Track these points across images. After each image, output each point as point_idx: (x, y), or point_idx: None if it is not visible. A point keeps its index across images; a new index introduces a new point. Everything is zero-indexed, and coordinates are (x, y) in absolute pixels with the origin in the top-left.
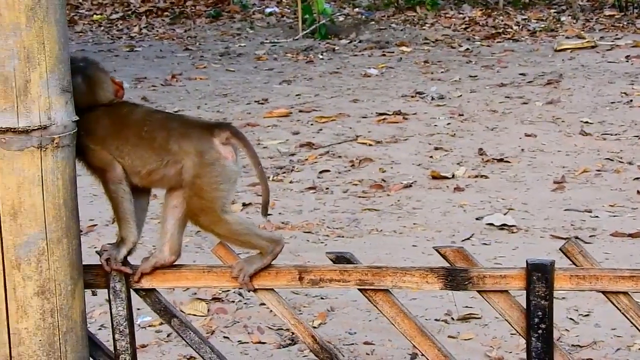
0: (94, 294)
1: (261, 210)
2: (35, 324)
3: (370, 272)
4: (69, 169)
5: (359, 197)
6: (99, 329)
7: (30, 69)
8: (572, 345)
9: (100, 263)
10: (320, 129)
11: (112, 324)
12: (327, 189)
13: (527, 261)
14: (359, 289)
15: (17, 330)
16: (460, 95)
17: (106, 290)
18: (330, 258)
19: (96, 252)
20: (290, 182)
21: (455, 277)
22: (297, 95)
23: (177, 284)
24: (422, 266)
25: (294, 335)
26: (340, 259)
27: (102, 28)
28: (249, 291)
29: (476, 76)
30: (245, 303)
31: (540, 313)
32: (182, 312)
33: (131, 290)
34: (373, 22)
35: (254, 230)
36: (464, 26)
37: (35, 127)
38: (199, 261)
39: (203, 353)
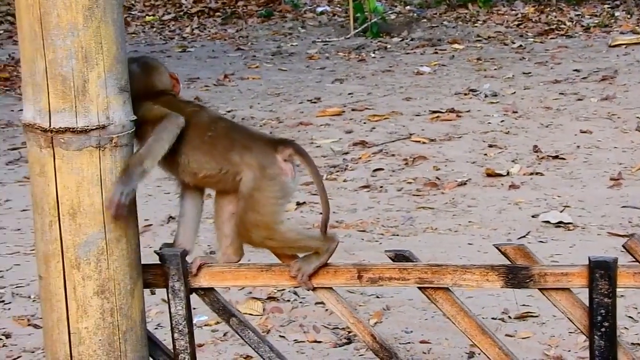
0: (152, 293)
1: (321, 227)
2: (95, 324)
3: (430, 270)
4: None
5: (413, 195)
6: (156, 328)
7: (88, 69)
8: (632, 343)
9: (159, 263)
10: (373, 128)
11: (171, 323)
12: (381, 187)
13: (589, 258)
14: (418, 287)
15: (77, 329)
16: (514, 92)
17: (164, 289)
18: (389, 256)
19: (155, 252)
20: (344, 180)
21: (516, 275)
22: (349, 93)
23: (236, 283)
24: (482, 264)
25: (350, 334)
26: (399, 257)
27: (154, 29)
28: (307, 290)
29: (530, 73)
30: (300, 302)
31: (603, 311)
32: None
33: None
34: (425, 20)
35: (307, 233)
36: (516, 23)
37: (94, 127)
38: (253, 261)
39: (262, 352)
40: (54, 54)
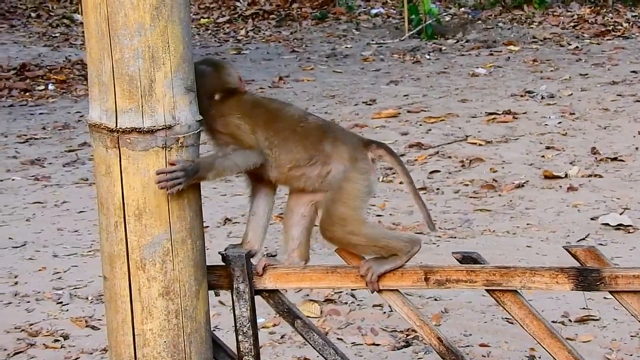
0: (216, 295)
1: (428, 225)
2: (160, 325)
3: (499, 272)
4: None
5: (470, 197)
6: (214, 330)
7: (155, 69)
8: None
9: (223, 264)
10: (429, 129)
11: (236, 325)
12: (437, 189)
13: None
14: (486, 290)
15: (142, 331)
16: (571, 94)
17: (223, 291)
18: (456, 258)
19: (219, 253)
20: (401, 182)
21: (586, 278)
22: (404, 95)
23: (301, 285)
24: (551, 266)
25: (408, 337)
26: (467, 258)
27: (209, 31)
28: (372, 292)
29: (586, 74)
30: (358, 304)
31: None
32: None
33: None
34: (480, 22)
35: (391, 233)
36: (572, 24)
37: (160, 127)
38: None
39: (327, 355)
40: (120, 53)
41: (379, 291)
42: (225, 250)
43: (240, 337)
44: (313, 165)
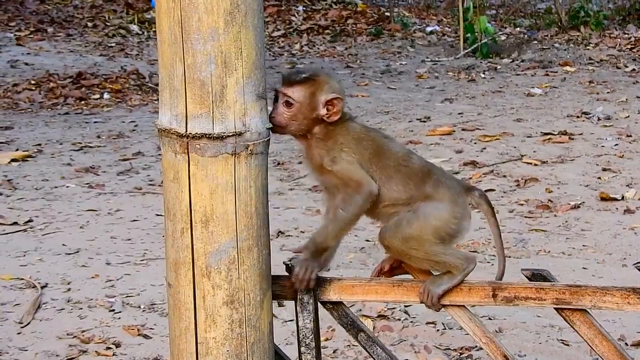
0: (280, 305)
1: (497, 276)
2: (224, 334)
3: (569, 291)
4: (262, 177)
5: (525, 217)
6: None
7: (227, 75)
8: None
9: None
10: (484, 148)
11: (298, 337)
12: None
13: None
14: (555, 309)
15: (205, 339)
16: (628, 116)
17: (291, 302)
18: (525, 275)
19: (284, 263)
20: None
21: None
22: (459, 113)
23: (366, 298)
24: (623, 286)
25: (462, 356)
26: (536, 276)
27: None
28: (437, 311)
29: None
30: (411, 321)
31: None
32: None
33: (319, 303)
34: (535, 42)
35: (448, 249)
36: (629, 46)
37: (230, 134)
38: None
39: None
40: (193, 58)
41: (444, 307)
42: (290, 260)
43: (302, 349)
44: (409, 205)
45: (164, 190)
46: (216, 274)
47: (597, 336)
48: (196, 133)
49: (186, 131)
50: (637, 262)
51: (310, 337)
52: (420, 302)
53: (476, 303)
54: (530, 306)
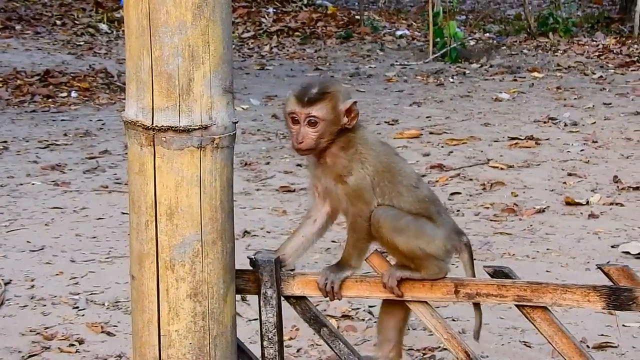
0: (243, 299)
1: (474, 334)
2: (187, 327)
3: (530, 288)
4: (227, 171)
5: (491, 220)
6: None
7: (194, 68)
8: None
9: (252, 269)
10: (451, 152)
11: (261, 331)
12: (458, 211)
13: None
14: (516, 305)
15: (168, 332)
16: (594, 122)
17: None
18: (487, 272)
19: (248, 257)
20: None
21: (619, 297)
22: (427, 117)
23: None
24: (584, 284)
25: (425, 356)
26: (498, 273)
27: (233, 46)
28: (397, 297)
29: (610, 104)
30: (375, 321)
31: None
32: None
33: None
34: (504, 47)
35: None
36: (597, 54)
37: (196, 127)
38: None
39: None
40: (160, 51)
41: (407, 302)
42: (254, 254)
43: (265, 343)
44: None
45: (129, 182)
46: (180, 266)
47: (557, 333)
48: (162, 126)
49: (152, 124)
50: (600, 264)
51: (273, 331)
52: (385, 293)
53: (438, 299)
54: (491, 302)
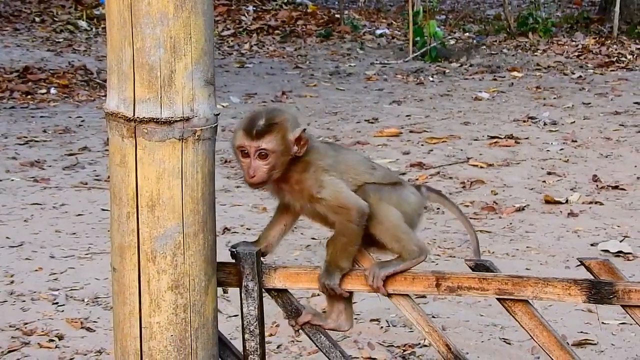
0: (224, 292)
1: (474, 254)
2: (168, 319)
3: (511, 281)
4: (209, 163)
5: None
6: None
7: (176, 59)
8: None
9: (233, 261)
10: (431, 150)
11: (243, 324)
12: (437, 209)
13: None
14: (497, 299)
15: (149, 324)
16: (574, 122)
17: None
18: (468, 265)
19: (229, 249)
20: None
21: (599, 290)
22: (407, 115)
23: (310, 286)
24: (565, 277)
25: (405, 353)
26: (479, 266)
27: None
28: (383, 295)
29: (589, 103)
30: (355, 318)
31: None
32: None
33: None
34: (484, 47)
35: (410, 230)
36: (576, 54)
37: (178, 119)
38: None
39: (333, 357)
40: (142, 42)
41: (389, 295)
42: (235, 247)
43: (246, 336)
44: None
45: (110, 174)
46: (161, 258)
47: (537, 327)
48: (144, 117)
49: (134, 115)
50: (581, 258)
51: (255, 324)
52: (367, 287)
53: (420, 292)
54: (473, 296)
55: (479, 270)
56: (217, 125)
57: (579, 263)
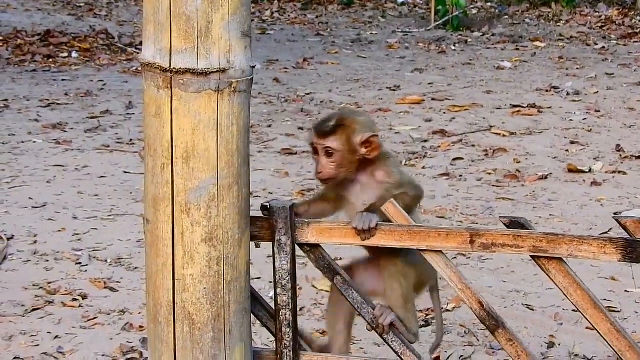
0: (257, 246)
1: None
2: (201, 271)
3: (546, 239)
4: (244, 115)
5: (493, 185)
6: None
7: (213, 10)
8: None
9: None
10: (453, 118)
11: (275, 278)
12: (460, 176)
13: None
14: (531, 257)
15: (182, 276)
16: (597, 92)
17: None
18: (503, 222)
19: (261, 204)
20: (423, 167)
21: (635, 249)
22: (429, 83)
23: (344, 241)
24: (600, 235)
25: (427, 317)
26: (514, 223)
27: None
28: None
29: (613, 74)
30: None
31: None
32: (315, 287)
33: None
34: (507, 17)
35: (414, 312)
36: (599, 24)
37: (214, 70)
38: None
39: (364, 313)
40: None
41: (422, 251)
42: (269, 202)
43: (279, 290)
44: None
45: (145, 125)
46: (196, 210)
47: (572, 285)
48: (180, 68)
49: (170, 66)
50: (616, 216)
51: (287, 278)
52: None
53: (454, 249)
54: (507, 253)
55: (514, 228)
56: (252, 78)
57: (603, 232)
